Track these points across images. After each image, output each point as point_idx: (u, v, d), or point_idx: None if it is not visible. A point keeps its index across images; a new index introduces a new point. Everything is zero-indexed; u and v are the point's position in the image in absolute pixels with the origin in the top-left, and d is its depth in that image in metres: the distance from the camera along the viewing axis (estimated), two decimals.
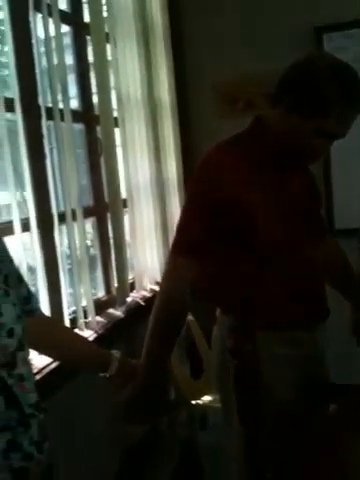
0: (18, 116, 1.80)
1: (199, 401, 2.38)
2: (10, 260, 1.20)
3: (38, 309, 1.29)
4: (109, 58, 2.43)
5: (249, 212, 1.40)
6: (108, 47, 2.43)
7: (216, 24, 3.06)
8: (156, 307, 1.39)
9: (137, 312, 2.45)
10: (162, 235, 2.75)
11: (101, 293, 2.47)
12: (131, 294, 2.54)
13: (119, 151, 2.46)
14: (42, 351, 1.33)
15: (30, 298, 1.26)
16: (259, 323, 1.40)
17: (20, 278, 1.24)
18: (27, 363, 1.10)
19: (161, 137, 2.82)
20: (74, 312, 2.10)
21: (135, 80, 2.60)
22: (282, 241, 1.45)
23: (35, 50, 1.94)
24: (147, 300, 2.53)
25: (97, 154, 2.46)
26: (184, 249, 1.35)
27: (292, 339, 1.48)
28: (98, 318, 2.21)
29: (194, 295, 1.44)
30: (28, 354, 1.13)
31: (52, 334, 1.33)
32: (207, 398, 2.41)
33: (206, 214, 1.38)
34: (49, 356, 1.44)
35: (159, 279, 2.70)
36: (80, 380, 1.74)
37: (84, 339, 1.44)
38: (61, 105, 2.02)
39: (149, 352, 1.38)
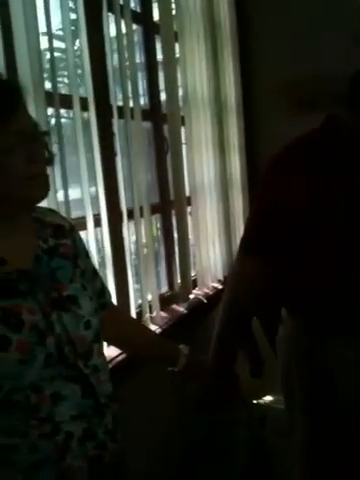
0: (92, 114, 1.85)
1: (259, 401, 2.37)
2: (87, 255, 1.25)
3: (111, 303, 1.34)
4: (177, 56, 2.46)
5: (319, 213, 1.38)
6: (176, 46, 2.46)
7: (282, 23, 3.03)
8: (224, 305, 1.39)
9: (199, 309, 2.47)
10: (225, 233, 2.76)
11: (164, 289, 2.50)
12: (193, 291, 2.56)
13: (185, 149, 2.49)
14: (113, 343, 1.37)
15: (104, 292, 1.30)
16: (328, 325, 1.38)
17: (95, 272, 1.29)
18: (102, 355, 1.14)
19: (226, 135, 2.83)
20: (139, 306, 2.14)
21: (202, 78, 2.62)
22: (351, 242, 1.42)
23: (107, 50, 1.99)
24: (209, 297, 2.55)
25: (163, 152, 2.50)
26: (253, 248, 1.34)
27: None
28: (162, 313, 2.25)
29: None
30: (102, 346, 1.17)
31: (123, 327, 1.37)
32: (267, 398, 2.40)
33: (276, 214, 1.37)
34: (119, 348, 1.48)
35: (221, 277, 2.72)
36: (148, 372, 1.78)
37: (153, 333, 1.47)
38: (131, 104, 2.06)
39: (216, 350, 1.39)
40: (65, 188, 1.69)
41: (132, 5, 2.37)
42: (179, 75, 2.45)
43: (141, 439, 1.27)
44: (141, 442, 1.22)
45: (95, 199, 1.87)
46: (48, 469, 1.00)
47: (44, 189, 1.02)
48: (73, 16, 1.85)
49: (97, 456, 1.07)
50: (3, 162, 0.94)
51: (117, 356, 1.72)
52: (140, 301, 2.15)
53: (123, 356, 1.74)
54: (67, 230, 1.18)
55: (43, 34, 1.61)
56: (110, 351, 1.69)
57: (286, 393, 1.57)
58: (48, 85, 1.66)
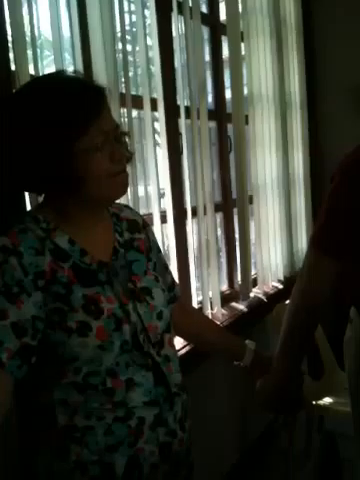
0: (161, 115, 1.90)
1: (319, 402, 2.36)
2: (158, 249, 1.29)
3: (180, 297, 1.38)
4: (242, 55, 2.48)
5: None
6: (242, 45, 2.47)
7: (348, 21, 2.99)
8: (294, 304, 1.39)
9: (259, 307, 2.48)
10: (287, 233, 2.75)
11: (224, 287, 2.53)
12: (253, 289, 2.57)
13: (248, 148, 2.51)
14: (181, 335, 1.41)
15: (174, 286, 1.35)
16: None
17: (166, 267, 1.33)
18: (173, 345, 1.19)
19: (290, 134, 2.82)
20: (200, 303, 2.18)
21: (267, 77, 2.63)
22: None
23: (176, 51, 2.03)
24: (269, 296, 2.55)
25: (227, 151, 2.53)
26: (326, 248, 1.33)
27: None
28: (223, 310, 2.28)
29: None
30: (173, 337, 1.21)
31: (192, 320, 1.40)
32: (327, 400, 2.38)
33: (351, 214, 1.35)
34: (187, 340, 1.52)
35: (282, 277, 2.72)
36: (211, 365, 1.81)
37: (221, 328, 1.50)
38: (197, 104, 2.10)
39: (286, 349, 1.38)
40: (134, 185, 1.74)
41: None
42: (244, 74, 2.47)
43: (201, 430, 1.30)
44: (201, 434, 1.25)
45: (161, 197, 1.92)
46: (121, 452, 1.05)
47: (124, 186, 1.08)
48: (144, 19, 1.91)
49: (167, 443, 1.11)
50: (88, 160, 1.00)
51: (182, 348, 1.76)
52: (201, 297, 2.18)
53: (188, 348, 1.79)
54: (141, 225, 1.24)
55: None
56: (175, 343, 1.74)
57: (355, 394, 1.55)
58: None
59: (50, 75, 1.08)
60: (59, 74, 1.07)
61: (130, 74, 1.74)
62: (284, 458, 2.43)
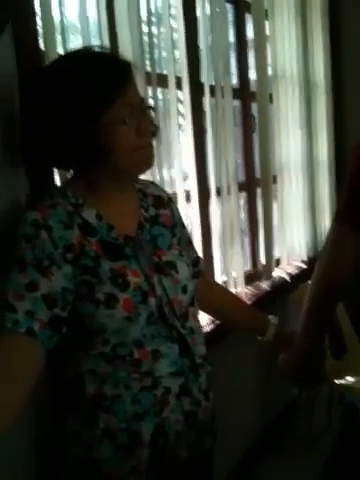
0: (185, 93, 1.91)
1: (341, 381, 2.36)
2: (183, 225, 1.31)
3: (203, 272, 1.40)
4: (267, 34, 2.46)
5: None
6: (266, 24, 2.45)
7: None
8: (317, 281, 1.39)
9: (282, 287, 2.49)
10: (310, 213, 2.74)
11: (247, 266, 2.54)
12: (276, 269, 2.58)
13: (272, 128, 2.49)
14: (205, 310, 1.43)
15: (198, 261, 1.37)
16: None
17: (190, 242, 1.35)
18: (197, 319, 1.21)
19: (314, 115, 2.79)
20: (224, 282, 2.19)
21: (291, 56, 2.61)
22: None
23: (200, 30, 2.02)
24: (292, 276, 2.56)
25: (250, 130, 2.52)
26: (349, 220, 1.32)
27: None
28: (246, 289, 2.29)
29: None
30: (197, 311, 1.23)
31: (215, 295, 1.43)
32: (349, 378, 2.38)
33: None
34: (211, 315, 1.54)
35: (305, 257, 2.72)
36: (234, 340, 1.83)
37: (244, 303, 1.52)
38: (222, 82, 2.10)
39: (306, 325, 1.39)
40: (159, 165, 1.76)
41: None
42: (269, 53, 2.45)
43: (224, 404, 1.33)
44: (224, 407, 1.28)
45: (185, 176, 1.93)
46: (148, 420, 1.09)
47: (150, 160, 1.09)
48: None
49: (192, 412, 1.14)
50: (114, 133, 1.01)
51: (206, 324, 1.79)
52: (224, 277, 2.20)
53: (212, 325, 1.82)
54: (166, 201, 1.26)
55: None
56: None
57: None
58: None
59: (77, 50, 1.09)
60: (86, 49, 1.09)
61: (155, 56, 1.74)
62: (305, 433, 2.46)
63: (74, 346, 1.09)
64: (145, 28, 1.68)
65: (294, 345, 1.39)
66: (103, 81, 0.99)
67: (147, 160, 1.09)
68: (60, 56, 1.13)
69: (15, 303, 0.97)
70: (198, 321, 1.22)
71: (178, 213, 1.30)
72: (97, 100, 0.99)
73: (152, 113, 1.11)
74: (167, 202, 1.26)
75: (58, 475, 1.18)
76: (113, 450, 1.08)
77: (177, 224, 1.26)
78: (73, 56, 1.07)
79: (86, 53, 1.07)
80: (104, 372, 1.07)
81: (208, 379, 1.19)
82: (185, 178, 1.93)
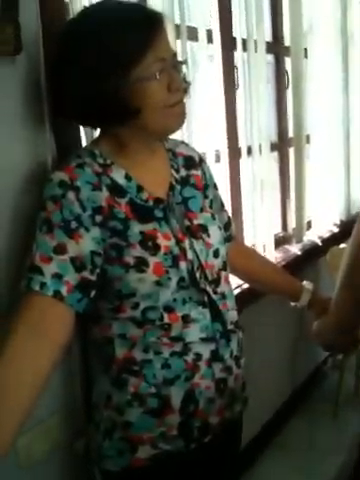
0: (216, 47, 1.82)
1: None
2: (215, 186, 1.26)
3: (235, 236, 1.35)
4: None
5: None
6: None
7: None
8: (355, 244, 1.34)
9: (313, 251, 2.43)
10: (345, 175, 2.64)
11: (278, 229, 2.48)
12: (308, 232, 2.51)
13: (306, 84, 2.38)
14: (237, 275, 1.40)
15: (230, 224, 1.32)
16: None
17: (222, 204, 1.30)
18: (228, 283, 1.18)
19: (351, 71, 2.65)
20: (253, 245, 2.14)
21: (327, 10, 2.46)
22: None
23: None
24: (324, 240, 2.49)
25: (284, 87, 2.41)
26: None
27: None
28: (276, 253, 2.24)
29: None
30: (229, 275, 1.20)
31: (248, 260, 1.39)
32: None
33: None
34: (243, 280, 1.51)
35: (338, 220, 2.64)
36: (264, 302, 1.80)
37: (278, 268, 1.47)
38: (255, 36, 1.99)
39: (342, 291, 1.35)
40: (188, 122, 1.69)
41: None
42: (303, 5, 2.32)
43: (253, 368, 1.31)
44: (252, 371, 1.26)
45: (215, 134, 1.86)
46: (178, 386, 1.07)
47: (182, 117, 1.04)
48: None
49: (223, 379, 1.12)
50: (145, 90, 0.96)
51: (236, 287, 1.75)
52: (254, 240, 2.15)
53: (241, 287, 1.78)
54: (197, 161, 1.20)
55: None
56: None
57: None
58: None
59: (104, 2, 1.03)
60: (113, 1, 1.01)
61: (185, 6, 1.65)
62: (333, 398, 2.45)
63: (103, 309, 1.06)
64: None
65: (329, 311, 1.35)
66: (132, 35, 0.93)
67: (179, 117, 1.03)
68: (86, 8, 1.06)
69: (42, 265, 0.95)
70: (230, 286, 1.18)
71: (210, 174, 1.25)
72: (126, 55, 0.93)
73: (184, 68, 1.04)
74: (199, 162, 1.20)
75: (87, 436, 1.18)
76: (142, 414, 1.07)
77: (209, 185, 1.21)
78: (100, 8, 1.01)
79: (112, 5, 0.99)
80: (134, 336, 1.05)
81: (239, 345, 1.16)
82: (215, 136, 1.86)
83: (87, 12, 1.03)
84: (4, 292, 1.08)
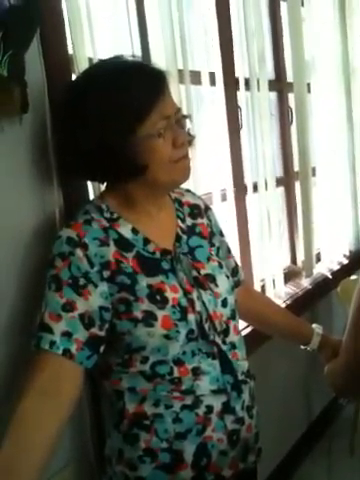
0: (219, 89, 1.85)
1: None
2: (221, 233, 1.26)
3: (243, 280, 1.35)
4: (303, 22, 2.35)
5: None
6: (303, 11, 2.35)
7: None
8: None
9: (323, 284, 2.42)
10: (352, 205, 2.64)
11: (287, 263, 2.47)
12: (317, 265, 2.50)
13: (311, 118, 2.40)
14: (246, 320, 1.39)
15: (237, 270, 1.32)
16: None
17: (229, 250, 1.30)
18: (238, 332, 1.17)
19: (354, 104, 2.67)
20: (262, 280, 2.14)
21: (329, 45, 2.49)
22: None
23: (234, 20, 1.94)
24: (334, 272, 2.48)
25: (288, 122, 2.44)
26: None
27: None
28: (285, 288, 2.23)
29: None
30: (238, 324, 1.19)
31: (256, 304, 1.38)
32: None
33: None
34: (252, 325, 1.50)
35: (347, 251, 2.63)
36: (273, 343, 1.78)
37: (287, 312, 1.46)
38: (257, 74, 2.02)
39: (354, 330, 1.34)
40: (193, 164, 1.70)
41: None
42: (305, 41, 2.35)
43: (264, 411, 1.29)
44: (264, 414, 1.24)
45: (221, 174, 1.88)
46: (190, 440, 1.05)
47: (187, 171, 1.05)
48: None
49: (235, 430, 1.10)
50: (151, 147, 0.97)
51: (242, 329, 1.74)
52: (263, 276, 2.14)
53: (248, 330, 1.77)
54: (203, 210, 1.21)
55: None
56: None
57: None
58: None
59: (109, 61, 1.05)
60: (118, 59, 1.03)
61: (187, 47, 1.67)
62: (349, 431, 2.40)
63: (113, 363, 1.06)
64: (176, 16, 1.60)
65: (340, 354, 1.33)
66: (138, 95, 0.95)
67: (184, 172, 1.05)
68: (91, 68, 1.09)
69: (52, 324, 0.95)
70: (240, 335, 1.17)
71: (216, 221, 1.25)
72: (132, 115, 0.95)
73: (188, 122, 1.06)
74: (204, 210, 1.21)
75: None
76: (155, 470, 1.05)
77: (215, 233, 1.22)
78: (105, 67, 1.03)
79: (118, 64, 1.02)
80: (144, 390, 1.04)
81: (251, 395, 1.15)
82: (221, 176, 1.87)
83: (92, 70, 1.06)
84: (13, 346, 1.08)
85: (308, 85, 2.38)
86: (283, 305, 2.10)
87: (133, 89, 0.96)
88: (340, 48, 2.56)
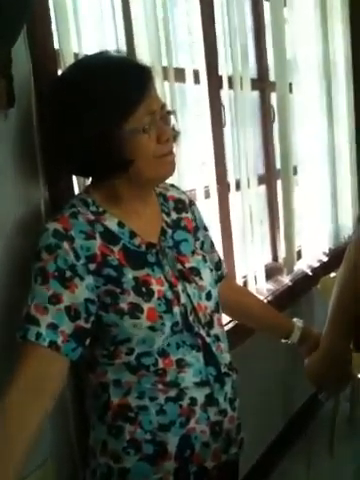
0: (203, 87, 1.86)
1: None
2: (205, 228, 1.28)
3: (226, 275, 1.37)
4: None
5: None
6: (285, 11, 2.38)
7: None
8: (344, 278, 1.35)
9: (304, 280, 2.45)
10: (332, 205, 2.69)
11: (268, 260, 2.50)
12: (298, 262, 2.53)
13: (292, 117, 2.44)
14: (228, 313, 1.41)
15: (220, 264, 1.34)
16: None
17: (212, 245, 1.32)
18: (221, 325, 1.19)
19: (335, 104, 2.72)
20: (244, 277, 2.16)
21: (310, 43, 2.53)
22: None
23: (218, 19, 1.96)
24: (314, 269, 2.52)
25: (270, 121, 2.47)
26: None
27: None
28: (267, 284, 2.26)
29: None
30: (222, 316, 1.21)
31: (239, 298, 1.40)
32: None
33: None
34: (234, 318, 1.53)
35: (327, 249, 2.67)
36: (255, 340, 1.81)
37: (268, 306, 1.49)
38: (240, 73, 2.04)
39: (333, 325, 1.36)
40: (177, 161, 1.72)
41: None
42: (287, 40, 2.38)
43: (245, 405, 1.32)
44: (245, 409, 1.27)
45: (204, 171, 1.90)
46: (173, 432, 1.07)
47: (172, 167, 1.06)
48: None
49: (218, 422, 1.12)
50: (136, 143, 0.99)
51: (226, 324, 1.76)
52: (245, 272, 2.17)
53: (232, 324, 1.79)
54: (187, 204, 1.23)
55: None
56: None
57: None
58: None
59: (95, 56, 1.06)
60: (103, 55, 1.04)
61: (172, 44, 1.68)
62: (328, 427, 2.44)
63: (98, 355, 1.07)
64: (161, 13, 1.61)
65: (320, 346, 1.36)
66: (124, 90, 0.96)
67: (169, 167, 1.06)
68: (77, 62, 1.09)
69: (38, 316, 0.96)
70: (223, 328, 1.19)
71: (200, 216, 1.27)
72: (118, 109, 0.96)
73: (173, 118, 1.07)
74: (189, 205, 1.23)
75: None
76: (138, 461, 1.07)
77: (199, 227, 1.23)
78: (91, 63, 1.03)
79: (104, 60, 1.03)
80: (129, 382, 1.06)
81: (233, 387, 1.17)
82: (204, 173, 1.89)
83: (79, 65, 1.06)
84: None
85: (290, 84, 2.41)
86: (265, 301, 2.13)
87: (119, 84, 0.97)
88: (321, 48, 2.60)
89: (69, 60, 1.21)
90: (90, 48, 1.34)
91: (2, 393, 0.92)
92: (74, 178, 1.24)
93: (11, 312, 1.05)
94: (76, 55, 1.26)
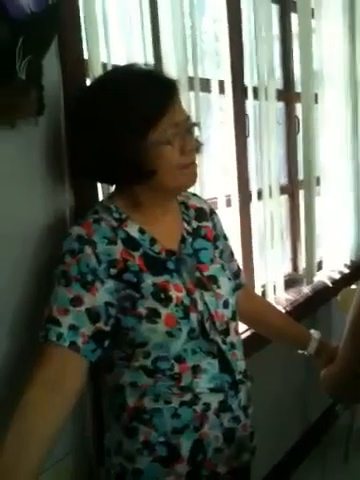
0: (228, 97, 1.89)
1: None
2: (225, 237, 1.30)
3: (245, 284, 1.39)
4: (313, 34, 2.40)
5: None
6: (313, 22, 2.39)
7: None
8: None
9: (323, 292, 2.45)
10: (356, 216, 2.68)
11: (288, 270, 2.50)
12: (318, 273, 2.53)
13: (317, 128, 2.44)
14: (246, 322, 1.43)
15: (239, 273, 1.36)
16: None
17: (232, 254, 1.34)
18: (237, 333, 1.21)
19: None
20: (263, 286, 2.17)
21: (338, 56, 2.53)
22: None
23: (245, 31, 1.99)
24: (334, 281, 2.51)
25: (294, 132, 2.48)
26: None
27: None
28: (286, 294, 2.26)
29: None
30: (238, 325, 1.23)
31: (257, 308, 1.42)
32: None
33: None
34: (252, 327, 1.54)
35: (348, 261, 2.66)
36: (272, 348, 1.82)
37: (285, 316, 1.50)
38: (266, 84, 2.06)
39: (350, 339, 1.36)
40: (200, 170, 1.74)
41: None
42: (314, 52, 2.39)
43: (261, 414, 1.32)
44: (261, 417, 1.27)
45: (226, 180, 1.92)
46: (187, 435, 1.09)
47: (194, 177, 1.09)
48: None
49: (231, 428, 1.14)
50: (159, 153, 1.02)
51: (243, 332, 1.77)
52: (264, 281, 2.18)
53: (248, 333, 1.80)
54: (208, 213, 1.25)
55: None
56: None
57: None
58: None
59: (122, 68, 1.10)
60: (131, 67, 1.08)
61: (198, 55, 1.71)
62: (344, 438, 2.42)
63: (116, 357, 1.10)
64: (188, 23, 1.64)
65: (336, 359, 1.36)
66: (149, 101, 1.00)
67: (191, 178, 1.09)
68: (105, 73, 1.13)
69: (59, 317, 0.99)
70: (239, 336, 1.21)
71: (220, 224, 1.29)
72: (143, 120, 0.99)
73: (197, 130, 1.10)
74: (209, 214, 1.25)
75: None
76: (152, 462, 1.09)
77: (219, 236, 1.26)
78: (119, 75, 1.07)
79: (131, 72, 1.06)
80: (144, 385, 1.08)
81: (247, 395, 1.18)
82: (226, 182, 1.91)
83: (106, 77, 1.10)
84: (21, 341, 1.12)
85: (315, 95, 2.42)
86: (283, 311, 2.14)
87: (145, 96, 1.00)
88: (348, 60, 2.60)
89: (97, 70, 1.25)
90: (118, 58, 1.39)
91: (22, 391, 0.95)
92: (99, 185, 1.27)
93: (38, 316, 1.08)
94: (104, 65, 1.30)
